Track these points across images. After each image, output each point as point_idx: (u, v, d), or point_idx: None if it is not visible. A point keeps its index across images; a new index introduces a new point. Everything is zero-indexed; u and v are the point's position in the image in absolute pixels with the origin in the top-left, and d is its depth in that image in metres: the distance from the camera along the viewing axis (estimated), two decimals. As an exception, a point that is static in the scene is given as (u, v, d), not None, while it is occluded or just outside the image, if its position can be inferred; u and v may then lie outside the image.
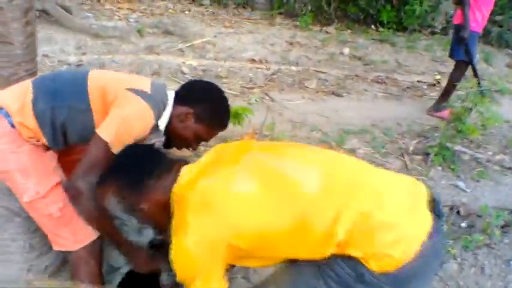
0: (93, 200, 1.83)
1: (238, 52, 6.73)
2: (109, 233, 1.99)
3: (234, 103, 4.44)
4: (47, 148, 1.95)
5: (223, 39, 7.14)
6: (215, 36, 7.15)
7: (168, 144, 2.15)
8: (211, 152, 1.72)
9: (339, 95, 5.75)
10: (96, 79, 1.94)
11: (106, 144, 1.78)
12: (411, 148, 4.47)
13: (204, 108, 2.00)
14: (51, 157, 1.97)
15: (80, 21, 6.58)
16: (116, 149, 1.80)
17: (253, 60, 6.46)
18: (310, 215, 1.46)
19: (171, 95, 2.02)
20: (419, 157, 4.35)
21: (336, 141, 4.28)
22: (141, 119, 1.85)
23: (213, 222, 1.48)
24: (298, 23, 8.46)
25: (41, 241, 2.37)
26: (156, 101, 1.92)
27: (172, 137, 2.06)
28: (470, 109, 4.30)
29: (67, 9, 6.64)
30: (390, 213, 1.49)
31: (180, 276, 1.57)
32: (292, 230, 1.48)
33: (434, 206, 1.57)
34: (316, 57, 7.07)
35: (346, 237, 1.44)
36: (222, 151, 1.71)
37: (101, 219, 1.91)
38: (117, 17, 7.30)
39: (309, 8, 8.97)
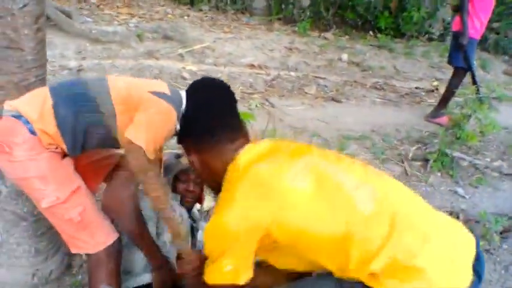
0: (134, 210, 1.95)
1: (237, 57, 6.76)
2: (145, 242, 2.07)
3: (235, 108, 4.47)
4: (64, 154, 1.97)
5: (223, 44, 7.17)
6: (214, 42, 7.18)
7: (180, 139, 2.20)
8: (272, 141, 1.70)
9: (338, 101, 5.79)
10: (116, 83, 1.98)
11: (141, 149, 1.81)
12: (410, 154, 4.50)
13: None
14: (69, 163, 1.99)
15: (79, 25, 6.58)
16: (150, 154, 1.83)
17: (252, 66, 6.48)
18: (352, 237, 1.40)
19: (183, 96, 2.06)
20: (418, 163, 4.39)
21: (337, 147, 4.31)
22: (167, 120, 1.91)
23: (261, 205, 1.44)
24: (296, 29, 8.51)
25: (47, 245, 2.39)
26: (176, 103, 1.98)
27: None
28: (469, 116, 4.34)
29: (67, 14, 6.65)
30: (429, 259, 1.40)
31: (208, 249, 1.54)
32: (332, 242, 1.42)
33: (477, 264, 1.47)
34: (315, 63, 7.11)
35: (378, 272, 1.39)
36: (283, 144, 1.67)
37: (140, 227, 2.01)
38: (116, 22, 7.31)
39: (307, 14, 9.04)
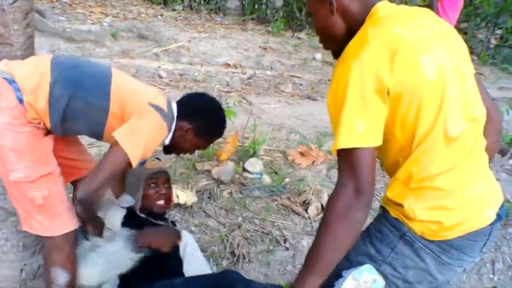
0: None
1: (212, 57, 6.81)
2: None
3: (213, 106, 4.53)
4: (47, 133, 1.94)
5: (197, 43, 7.21)
6: (189, 41, 7.21)
7: (166, 151, 2.27)
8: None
9: (313, 99, 5.88)
10: (120, 84, 1.96)
11: (127, 158, 1.84)
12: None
13: (203, 124, 2.14)
14: (49, 144, 1.96)
15: (53, 24, 6.54)
16: (134, 161, 1.86)
17: (228, 65, 6.53)
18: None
19: (175, 109, 2.10)
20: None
21: (314, 143, 4.40)
22: (159, 136, 1.97)
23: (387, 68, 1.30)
24: (270, 29, 8.60)
25: (33, 240, 2.40)
26: (170, 120, 2.02)
27: (172, 146, 2.18)
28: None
29: (40, 13, 6.58)
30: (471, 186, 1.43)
31: (333, 107, 1.36)
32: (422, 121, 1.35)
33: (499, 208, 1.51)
34: (290, 62, 7.21)
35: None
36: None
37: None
38: (90, 21, 7.27)
39: (281, 14, 9.12)
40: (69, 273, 2.07)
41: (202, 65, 6.27)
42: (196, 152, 3.82)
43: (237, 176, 3.68)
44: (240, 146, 4.03)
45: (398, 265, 1.49)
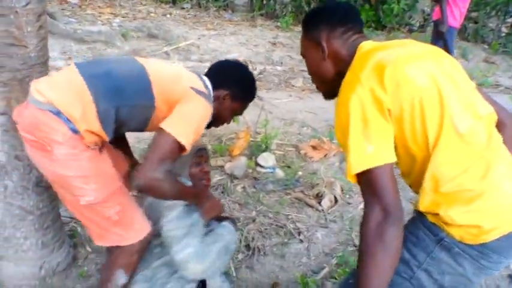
0: (173, 181, 1.92)
1: (222, 54, 6.83)
2: (186, 196, 2.09)
3: (225, 102, 4.55)
4: (100, 148, 1.95)
5: (207, 41, 7.23)
6: (199, 39, 7.24)
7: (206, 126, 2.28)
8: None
9: (324, 93, 5.88)
10: (157, 77, 1.96)
11: (178, 142, 1.83)
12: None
13: (238, 88, 2.18)
14: (107, 160, 1.97)
15: (63, 26, 6.60)
16: (188, 147, 1.87)
17: (238, 61, 6.54)
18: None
19: (210, 86, 2.13)
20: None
21: (326, 136, 4.41)
22: (206, 118, 1.99)
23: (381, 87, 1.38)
24: (279, 24, 8.61)
25: (52, 238, 2.45)
26: (210, 99, 2.04)
27: (212, 119, 2.17)
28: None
29: (50, 15, 6.65)
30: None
31: (341, 136, 1.43)
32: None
33: None
34: (299, 56, 7.15)
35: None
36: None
37: (179, 189, 2.01)
38: (100, 22, 7.33)
39: (289, 9, 9.12)
40: (128, 278, 2.10)
41: (212, 62, 6.29)
42: (209, 148, 3.84)
43: (250, 170, 3.71)
44: (252, 141, 4.05)
45: (434, 271, 1.47)
